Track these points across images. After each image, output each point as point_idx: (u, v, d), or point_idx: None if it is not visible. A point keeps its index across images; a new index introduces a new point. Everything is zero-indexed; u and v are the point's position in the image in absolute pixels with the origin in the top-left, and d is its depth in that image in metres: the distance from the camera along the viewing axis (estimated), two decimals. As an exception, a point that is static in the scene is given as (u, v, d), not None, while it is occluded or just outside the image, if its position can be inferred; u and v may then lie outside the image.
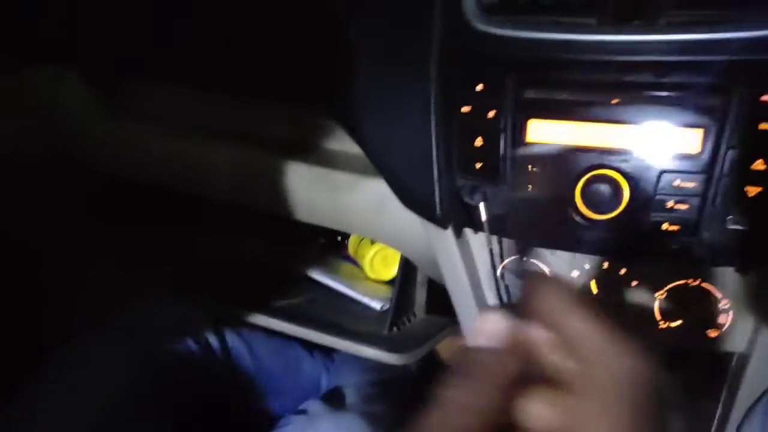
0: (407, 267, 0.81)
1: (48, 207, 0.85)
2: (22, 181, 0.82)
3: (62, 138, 0.80)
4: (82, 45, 0.77)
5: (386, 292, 0.88)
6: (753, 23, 0.47)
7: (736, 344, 0.56)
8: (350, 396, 0.79)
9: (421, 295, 0.86)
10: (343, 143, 0.72)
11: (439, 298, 0.91)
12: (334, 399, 0.77)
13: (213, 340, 0.82)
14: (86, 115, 0.80)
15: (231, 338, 0.85)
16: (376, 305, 0.84)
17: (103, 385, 0.72)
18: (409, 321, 0.84)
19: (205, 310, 0.82)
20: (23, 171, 0.81)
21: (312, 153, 0.73)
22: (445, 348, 1.14)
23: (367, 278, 0.92)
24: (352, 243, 0.95)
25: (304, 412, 0.74)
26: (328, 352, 1.00)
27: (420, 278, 0.85)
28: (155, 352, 0.76)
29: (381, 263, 0.89)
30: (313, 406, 0.75)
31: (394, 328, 0.80)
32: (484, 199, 0.56)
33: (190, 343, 0.80)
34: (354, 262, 0.95)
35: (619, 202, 0.51)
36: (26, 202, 0.83)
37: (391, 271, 0.88)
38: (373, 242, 0.89)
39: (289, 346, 0.93)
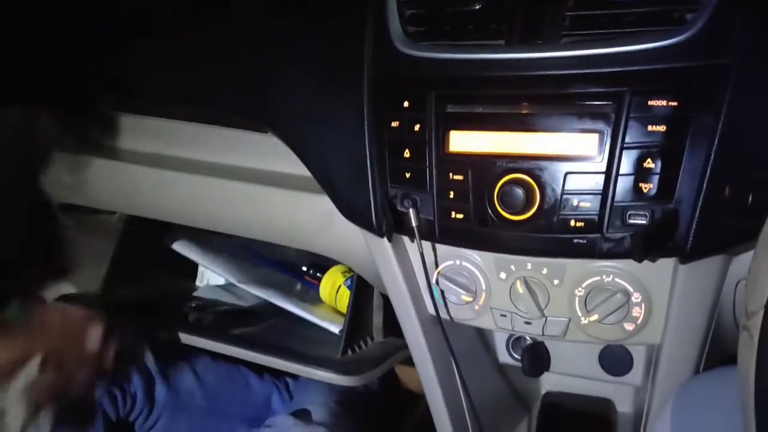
0: (360, 289, 0.85)
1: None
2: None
3: (34, 170, 0.85)
4: (53, 86, 0.83)
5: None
6: (640, 37, 0.52)
7: (652, 336, 0.59)
8: (317, 413, 0.82)
9: (377, 318, 0.89)
10: (292, 166, 0.78)
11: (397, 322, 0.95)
12: (301, 415, 0.80)
13: (151, 364, 0.85)
14: (58, 149, 0.85)
15: (172, 362, 0.88)
16: (335, 329, 0.87)
17: None
18: (366, 344, 0.87)
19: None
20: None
21: (265, 175, 0.78)
22: (402, 369, 1.16)
23: (329, 306, 0.96)
24: (323, 288, 0.98)
25: (270, 426, 0.76)
26: (278, 373, 1.03)
27: (376, 301, 0.89)
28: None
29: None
30: (282, 420, 0.77)
31: (349, 351, 0.83)
32: (414, 206, 0.61)
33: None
34: (315, 287, 0.99)
35: (532, 203, 0.56)
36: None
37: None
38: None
39: (235, 369, 0.96)
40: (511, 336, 0.82)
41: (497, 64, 0.57)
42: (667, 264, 0.56)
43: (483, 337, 0.80)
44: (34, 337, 0.67)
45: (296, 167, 0.75)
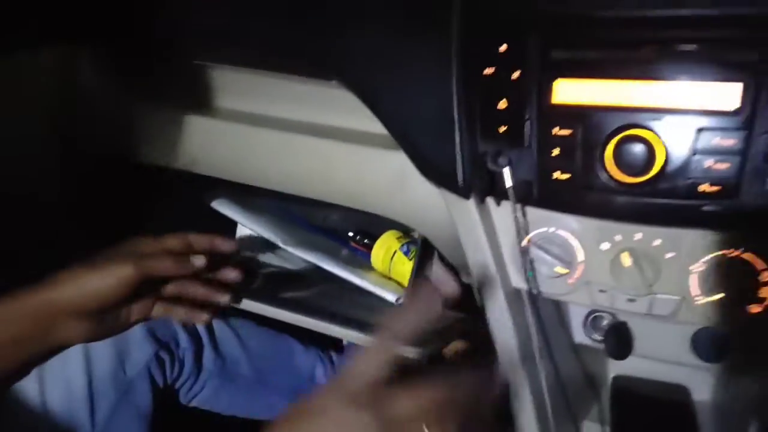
0: (423, 258, 0.78)
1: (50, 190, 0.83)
2: (27, 164, 0.79)
3: (72, 119, 0.78)
4: (97, 25, 0.76)
5: (401, 288, 0.84)
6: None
7: (780, 320, 0.52)
8: None
9: (437, 288, 0.83)
10: (359, 121, 0.70)
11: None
12: None
13: (200, 326, 0.79)
14: (100, 95, 0.78)
15: (218, 327, 0.82)
16: (391, 297, 0.81)
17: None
18: (424, 314, 0.80)
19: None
20: (28, 154, 0.79)
21: (328, 131, 0.71)
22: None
23: (380, 274, 0.89)
24: (375, 255, 0.92)
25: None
26: (323, 345, 0.97)
27: (436, 270, 0.82)
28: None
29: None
30: None
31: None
32: (509, 165, 0.54)
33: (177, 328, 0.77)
34: (363, 254, 0.92)
35: (653, 164, 0.49)
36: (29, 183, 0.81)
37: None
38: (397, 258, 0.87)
39: (280, 337, 0.90)
40: (588, 314, 0.75)
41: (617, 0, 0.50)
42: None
43: (560, 314, 0.73)
44: None
45: (365, 123, 0.68)
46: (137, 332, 0.74)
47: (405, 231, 0.92)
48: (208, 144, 0.75)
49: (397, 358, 0.48)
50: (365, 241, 0.98)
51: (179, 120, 0.75)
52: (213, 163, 0.77)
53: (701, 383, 0.80)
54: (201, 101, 0.78)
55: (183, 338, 0.78)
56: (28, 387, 0.67)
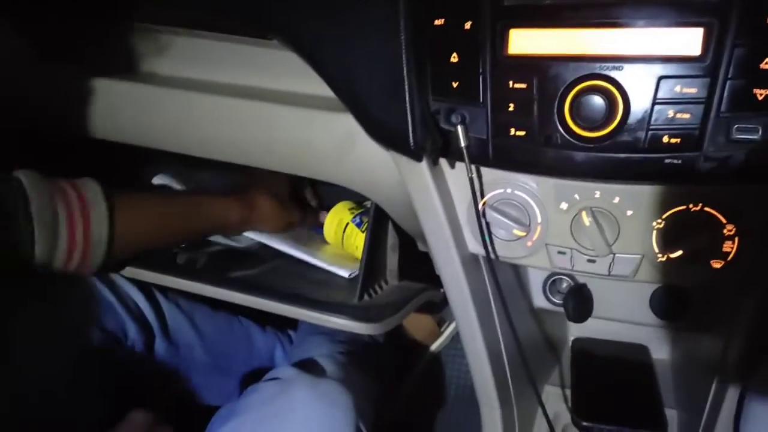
0: (376, 229, 0.74)
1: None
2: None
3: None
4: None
5: (354, 262, 0.81)
6: None
7: (741, 275, 0.51)
8: (324, 364, 0.73)
9: (392, 261, 0.80)
10: (303, 85, 0.66)
11: (411, 263, 0.86)
12: (306, 366, 0.70)
13: (150, 314, 0.75)
14: (16, 59, 0.71)
15: (170, 314, 0.77)
16: (344, 273, 0.77)
17: (37, 362, 0.64)
18: (381, 288, 0.77)
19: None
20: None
21: (271, 95, 0.66)
22: (409, 318, 1.08)
23: (333, 249, 0.86)
24: (327, 227, 0.87)
25: (275, 378, 0.67)
26: (281, 325, 0.93)
27: (391, 241, 0.79)
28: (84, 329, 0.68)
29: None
30: (286, 371, 0.68)
31: (365, 296, 0.73)
32: (462, 123, 0.50)
33: (125, 318, 0.72)
34: (319, 231, 0.89)
35: (613, 117, 0.46)
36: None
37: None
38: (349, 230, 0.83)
39: (236, 320, 0.86)
40: (548, 278, 0.73)
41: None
42: (769, 189, 0.48)
43: (519, 278, 0.71)
44: None
45: (310, 86, 0.64)
46: (83, 323, 0.68)
47: (358, 202, 0.89)
48: (143, 113, 0.69)
49: None
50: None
51: (110, 88, 0.69)
52: (149, 134, 0.71)
53: (661, 342, 0.80)
54: (134, 67, 0.72)
55: (132, 329, 0.73)
56: None
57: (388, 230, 0.78)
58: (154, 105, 0.68)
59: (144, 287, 0.76)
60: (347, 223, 0.82)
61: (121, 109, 0.70)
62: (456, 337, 1.12)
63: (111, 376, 0.71)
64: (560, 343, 0.84)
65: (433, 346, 1.12)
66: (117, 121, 0.71)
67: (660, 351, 0.80)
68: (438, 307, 1.08)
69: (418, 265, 0.83)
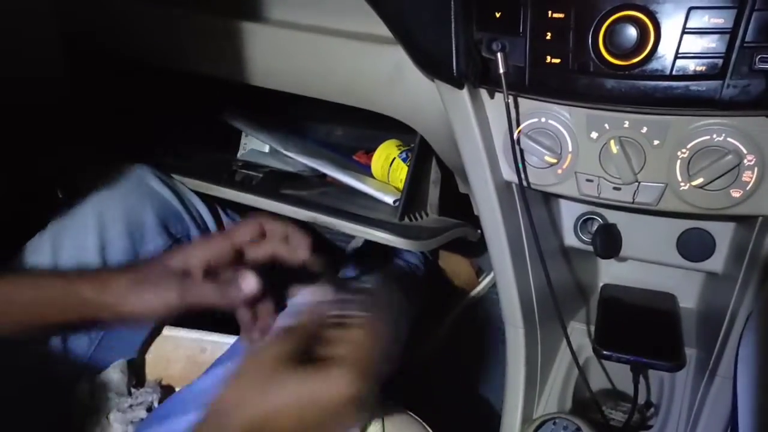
0: (420, 158, 0.79)
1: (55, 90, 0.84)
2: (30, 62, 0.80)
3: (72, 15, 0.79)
4: None
5: (399, 193, 0.86)
6: None
7: (760, 206, 0.54)
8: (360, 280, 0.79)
9: (433, 194, 0.84)
10: (356, 23, 0.70)
11: (452, 204, 0.90)
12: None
13: (211, 224, 0.82)
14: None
15: (227, 224, 0.85)
16: (389, 199, 0.82)
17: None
18: (421, 217, 0.82)
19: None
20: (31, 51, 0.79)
21: (326, 30, 0.71)
22: (449, 261, 1.13)
23: (380, 181, 0.91)
24: (375, 162, 0.92)
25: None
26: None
27: (433, 176, 0.84)
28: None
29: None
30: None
31: (406, 219, 0.78)
32: (502, 50, 0.54)
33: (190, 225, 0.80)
34: (365, 167, 0.94)
35: (645, 45, 0.49)
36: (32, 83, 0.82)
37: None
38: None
39: None
40: (579, 218, 0.76)
41: None
42: (791, 121, 0.50)
43: (551, 216, 0.75)
44: None
45: (362, 24, 0.69)
46: (151, 223, 0.76)
47: (406, 142, 0.93)
48: (211, 44, 0.76)
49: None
50: (367, 153, 1.00)
51: (181, 21, 0.75)
52: (215, 64, 0.78)
53: (688, 292, 0.83)
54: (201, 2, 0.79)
55: (195, 234, 0.80)
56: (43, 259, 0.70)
57: (431, 164, 0.82)
58: (220, 37, 0.74)
59: (207, 199, 0.83)
60: (394, 158, 0.87)
61: (181, 39, 0.76)
62: (494, 287, 1.16)
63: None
64: (590, 288, 0.88)
65: (472, 293, 1.17)
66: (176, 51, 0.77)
67: (687, 300, 0.83)
68: (476, 251, 1.12)
69: (458, 206, 0.88)
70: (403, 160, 0.86)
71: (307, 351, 0.46)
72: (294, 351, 0.45)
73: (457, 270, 1.13)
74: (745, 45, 0.47)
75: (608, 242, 0.72)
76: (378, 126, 0.92)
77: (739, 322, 0.59)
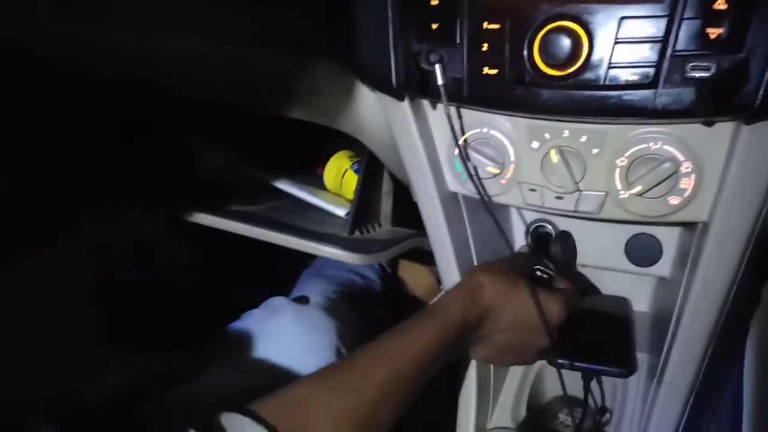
0: (369, 171, 0.78)
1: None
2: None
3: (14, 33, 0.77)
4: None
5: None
6: None
7: (699, 213, 0.54)
8: (314, 298, 0.78)
9: (386, 205, 0.84)
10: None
11: (407, 212, 0.90)
12: (297, 299, 0.76)
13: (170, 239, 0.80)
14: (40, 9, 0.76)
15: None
16: (341, 212, 0.82)
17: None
18: (374, 229, 0.81)
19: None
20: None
21: (266, 42, 0.70)
22: (409, 272, 1.12)
23: (334, 193, 0.90)
24: (328, 173, 0.91)
25: (263, 308, 0.72)
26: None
27: (386, 187, 0.83)
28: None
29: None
30: (276, 301, 0.73)
31: (356, 232, 0.77)
32: (440, 62, 0.54)
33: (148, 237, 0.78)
34: (320, 178, 0.93)
35: (579, 55, 0.49)
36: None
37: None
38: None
39: None
40: (529, 226, 0.76)
41: None
42: (725, 128, 0.50)
43: (500, 225, 0.75)
44: None
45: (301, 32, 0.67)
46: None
47: (359, 152, 0.93)
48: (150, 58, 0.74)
49: None
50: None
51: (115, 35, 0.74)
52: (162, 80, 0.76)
53: (641, 294, 0.83)
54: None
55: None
56: None
57: (383, 175, 0.82)
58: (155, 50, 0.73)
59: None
60: (346, 170, 0.87)
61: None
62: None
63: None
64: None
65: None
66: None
67: (641, 304, 0.83)
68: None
69: (415, 215, 0.87)
70: (355, 172, 0.86)
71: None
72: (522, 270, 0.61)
73: (418, 280, 1.13)
74: (675, 53, 0.47)
75: (567, 250, 0.72)
76: (338, 136, 0.91)
77: (682, 327, 0.60)
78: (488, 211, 0.61)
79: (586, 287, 0.82)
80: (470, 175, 0.59)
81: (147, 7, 0.71)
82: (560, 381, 0.79)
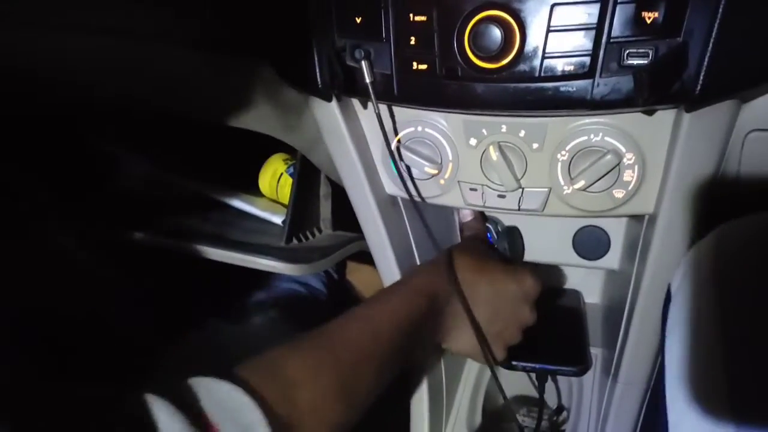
0: (304, 174, 0.74)
1: None
2: None
3: None
4: None
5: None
6: None
7: (645, 205, 0.52)
8: (254, 317, 0.73)
9: (325, 209, 0.80)
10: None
11: (348, 215, 0.86)
12: (234, 320, 0.71)
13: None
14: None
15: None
16: (277, 220, 0.77)
17: None
18: (313, 235, 0.77)
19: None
20: None
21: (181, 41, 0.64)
22: (357, 275, 1.08)
23: (268, 200, 0.85)
24: (262, 179, 0.86)
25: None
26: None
27: (323, 190, 0.78)
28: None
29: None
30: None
31: (294, 240, 0.73)
32: (367, 58, 0.50)
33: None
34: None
35: (511, 46, 0.46)
36: None
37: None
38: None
39: None
40: (475, 223, 0.74)
41: None
42: (666, 116, 0.48)
43: (446, 223, 0.72)
44: None
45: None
46: None
47: (295, 154, 0.88)
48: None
49: None
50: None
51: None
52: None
53: (593, 287, 0.82)
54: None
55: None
56: None
57: (320, 178, 0.78)
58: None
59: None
60: (281, 174, 0.82)
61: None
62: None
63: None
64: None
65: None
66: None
67: (593, 296, 0.81)
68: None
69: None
70: (291, 175, 0.81)
71: None
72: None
73: (368, 282, 1.09)
74: (612, 41, 0.44)
75: (516, 245, 0.69)
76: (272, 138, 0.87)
77: (635, 322, 0.58)
78: (419, 214, 0.58)
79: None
80: (401, 176, 0.56)
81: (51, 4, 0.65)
82: (516, 379, 0.78)
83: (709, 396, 0.37)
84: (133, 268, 0.72)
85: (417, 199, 0.58)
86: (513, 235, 0.71)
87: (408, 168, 0.57)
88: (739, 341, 0.38)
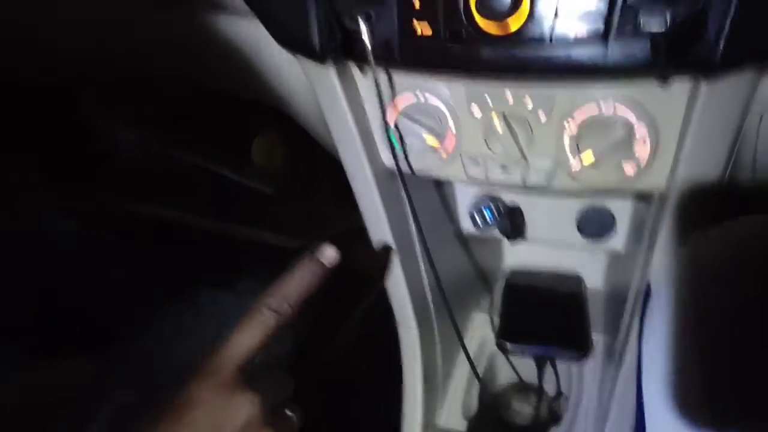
0: (298, 143, 0.72)
1: None
2: None
3: None
4: None
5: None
6: None
7: (656, 180, 0.49)
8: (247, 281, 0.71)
9: (320, 181, 0.77)
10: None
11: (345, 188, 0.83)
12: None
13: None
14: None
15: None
16: (268, 190, 0.74)
17: None
18: (307, 208, 0.75)
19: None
20: None
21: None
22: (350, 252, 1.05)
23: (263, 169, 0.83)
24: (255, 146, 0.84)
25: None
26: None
27: (319, 161, 0.76)
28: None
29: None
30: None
31: (286, 212, 0.70)
32: (368, 20, 0.47)
33: None
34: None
35: (521, 7, 0.43)
36: None
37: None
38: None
39: None
40: (476, 202, 0.71)
41: None
42: (682, 87, 0.45)
43: (445, 202, 0.69)
44: None
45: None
46: None
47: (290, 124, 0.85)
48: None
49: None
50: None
51: None
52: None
53: (594, 271, 0.80)
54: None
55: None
56: None
57: (315, 148, 0.75)
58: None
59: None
60: (275, 144, 0.79)
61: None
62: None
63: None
64: (495, 274, 0.83)
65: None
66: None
67: (594, 281, 0.79)
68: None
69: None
70: (284, 146, 0.78)
71: None
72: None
73: (361, 258, 1.06)
74: (627, 3, 0.41)
75: (515, 223, 0.67)
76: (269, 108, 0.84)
77: (640, 305, 0.55)
78: (404, 189, 0.55)
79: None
80: (392, 146, 0.53)
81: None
82: (513, 366, 0.75)
83: (688, 400, 0.36)
84: (127, 240, 0.70)
85: (407, 170, 0.55)
86: (514, 214, 0.68)
87: (401, 138, 0.54)
88: (718, 348, 0.36)
